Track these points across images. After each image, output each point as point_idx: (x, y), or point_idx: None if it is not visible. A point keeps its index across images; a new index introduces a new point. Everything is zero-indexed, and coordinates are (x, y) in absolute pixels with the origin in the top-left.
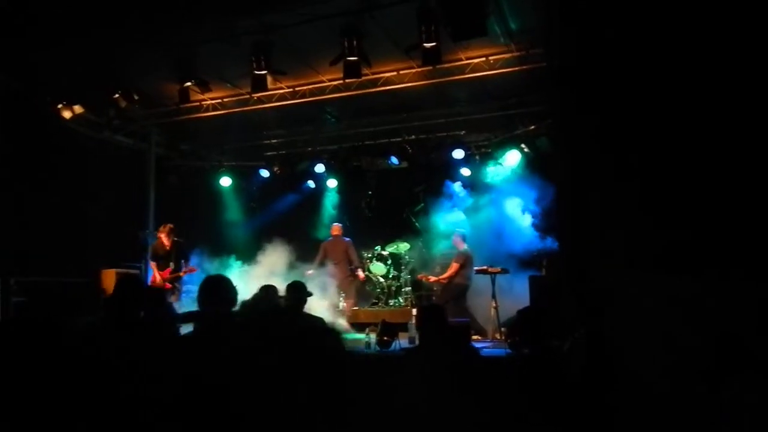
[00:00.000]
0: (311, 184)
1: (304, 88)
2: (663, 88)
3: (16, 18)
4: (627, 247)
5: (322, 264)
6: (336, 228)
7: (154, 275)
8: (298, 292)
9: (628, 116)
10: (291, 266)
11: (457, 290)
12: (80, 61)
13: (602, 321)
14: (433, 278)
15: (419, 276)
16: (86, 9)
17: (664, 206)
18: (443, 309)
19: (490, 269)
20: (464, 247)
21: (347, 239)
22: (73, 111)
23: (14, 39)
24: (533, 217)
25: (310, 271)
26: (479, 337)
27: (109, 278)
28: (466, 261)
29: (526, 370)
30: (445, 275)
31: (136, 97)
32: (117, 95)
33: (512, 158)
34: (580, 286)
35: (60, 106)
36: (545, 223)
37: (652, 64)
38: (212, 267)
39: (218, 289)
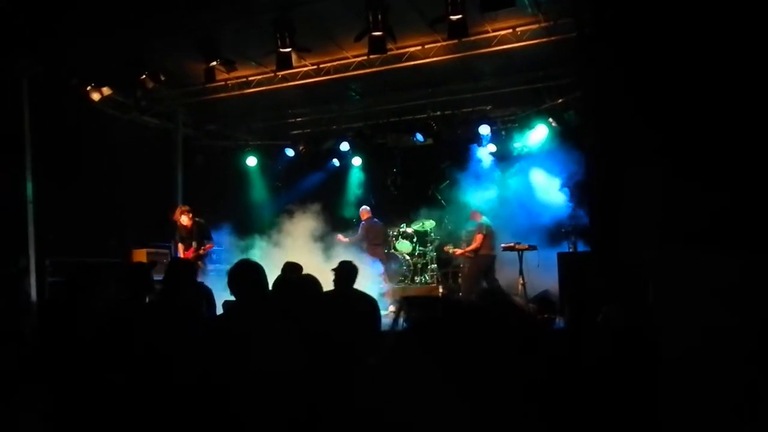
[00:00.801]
0: (336, 162)
1: (329, 65)
2: (702, 54)
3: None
4: (662, 221)
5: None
6: (366, 212)
7: (180, 255)
8: (349, 271)
9: (664, 85)
10: (316, 243)
11: (485, 263)
12: (108, 44)
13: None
14: (458, 251)
15: (444, 247)
16: None
17: (701, 179)
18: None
19: (517, 246)
20: (483, 218)
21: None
22: (101, 93)
23: (44, 25)
24: (562, 191)
25: (342, 237)
26: None
27: (140, 258)
28: (488, 231)
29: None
30: (471, 247)
31: (162, 78)
32: (144, 76)
33: (539, 132)
34: (612, 262)
35: (89, 88)
36: (575, 198)
37: (689, 27)
38: (238, 245)
39: (249, 274)
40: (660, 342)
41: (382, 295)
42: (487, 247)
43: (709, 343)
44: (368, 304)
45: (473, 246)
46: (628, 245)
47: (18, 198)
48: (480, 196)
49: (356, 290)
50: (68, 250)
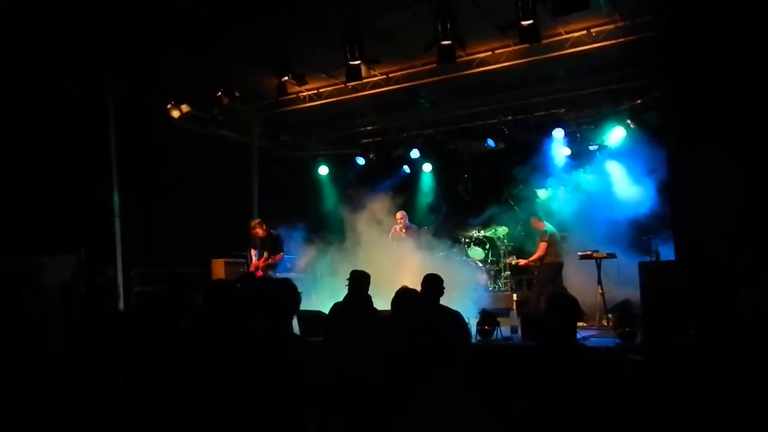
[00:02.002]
0: (407, 169)
1: (398, 74)
2: None
3: (129, 26)
4: (750, 226)
5: None
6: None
7: (252, 263)
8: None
9: (747, 82)
10: (390, 251)
11: (551, 270)
12: (186, 63)
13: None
14: (522, 261)
15: (508, 259)
16: (191, 13)
17: None
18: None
19: (595, 254)
20: (545, 225)
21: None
22: (180, 110)
23: (128, 45)
24: (644, 196)
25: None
26: (584, 324)
27: (219, 268)
28: (551, 239)
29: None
30: (535, 256)
31: (237, 94)
32: (219, 93)
33: (617, 135)
34: (699, 271)
35: (169, 106)
36: (656, 206)
37: None
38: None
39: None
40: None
41: None
42: (552, 255)
43: None
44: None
45: (537, 255)
46: (715, 252)
47: (105, 211)
48: (555, 201)
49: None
50: (152, 261)
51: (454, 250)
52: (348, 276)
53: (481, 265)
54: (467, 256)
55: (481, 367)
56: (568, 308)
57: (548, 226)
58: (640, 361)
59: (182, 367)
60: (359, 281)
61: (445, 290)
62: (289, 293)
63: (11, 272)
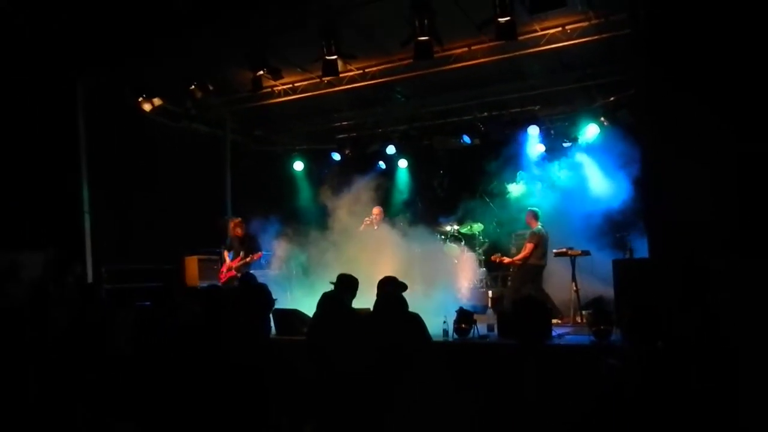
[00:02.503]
0: (382, 165)
1: (374, 68)
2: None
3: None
4: (722, 223)
5: None
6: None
7: (225, 263)
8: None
9: (722, 81)
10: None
11: (533, 271)
12: (158, 57)
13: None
14: (507, 259)
15: (492, 257)
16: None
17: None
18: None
19: (570, 251)
20: (537, 225)
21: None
22: (152, 104)
23: (99, 37)
24: (618, 192)
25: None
26: (558, 321)
27: (192, 265)
28: (540, 241)
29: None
30: (519, 256)
31: (210, 88)
32: (193, 87)
33: (590, 132)
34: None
35: (140, 99)
36: (629, 203)
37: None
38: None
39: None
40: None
41: None
42: (536, 257)
43: None
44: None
45: (522, 254)
46: (688, 250)
47: (73, 207)
48: (529, 198)
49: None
50: (123, 257)
51: (431, 244)
52: (334, 279)
53: (456, 261)
54: (443, 252)
55: (458, 365)
56: (535, 312)
57: (539, 227)
58: (617, 366)
59: (170, 365)
60: (346, 284)
61: (421, 287)
62: (265, 297)
63: None
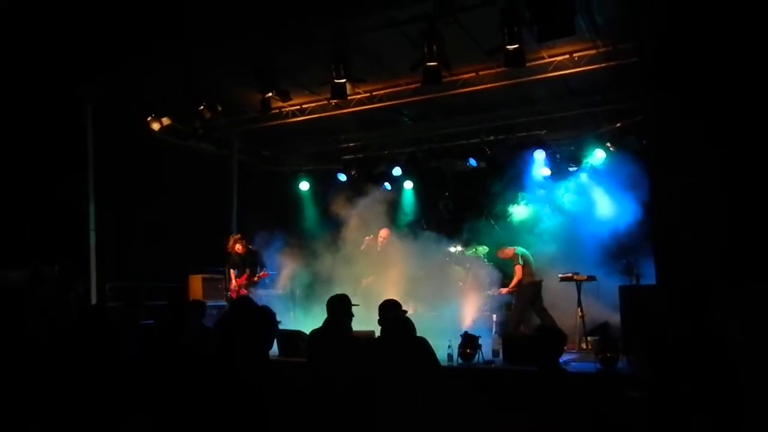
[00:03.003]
0: (388, 186)
1: (382, 92)
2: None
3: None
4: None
5: None
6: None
7: (231, 282)
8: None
9: (731, 110)
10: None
11: (530, 291)
12: (168, 75)
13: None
14: (504, 290)
15: (491, 292)
16: (175, 27)
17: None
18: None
19: (575, 276)
20: (514, 250)
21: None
22: (161, 123)
23: (109, 54)
24: (624, 217)
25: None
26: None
27: (196, 284)
28: (524, 259)
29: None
30: (514, 282)
31: (219, 108)
32: (202, 107)
33: (597, 157)
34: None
35: (149, 118)
36: (636, 227)
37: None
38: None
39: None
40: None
41: None
42: (528, 275)
43: None
44: None
45: (515, 280)
46: (696, 275)
47: (80, 224)
48: (535, 222)
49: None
50: (127, 275)
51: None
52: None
53: (461, 284)
54: (447, 275)
55: (463, 391)
56: (556, 341)
57: (518, 249)
58: (639, 398)
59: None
60: (332, 304)
61: (425, 309)
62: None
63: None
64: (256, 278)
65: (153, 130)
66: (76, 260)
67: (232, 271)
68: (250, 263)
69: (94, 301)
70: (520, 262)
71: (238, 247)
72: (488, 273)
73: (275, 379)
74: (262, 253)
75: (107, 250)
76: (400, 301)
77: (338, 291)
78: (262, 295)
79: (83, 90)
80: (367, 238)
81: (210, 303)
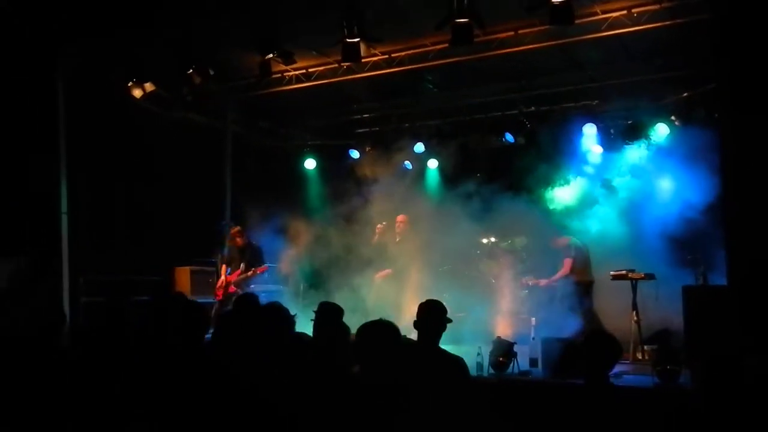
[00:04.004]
0: (408, 165)
1: (402, 53)
2: None
3: None
4: None
5: None
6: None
7: (221, 278)
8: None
9: None
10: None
11: (578, 290)
12: (151, 35)
13: None
14: (543, 281)
15: (523, 279)
16: None
17: None
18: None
19: (630, 274)
20: (569, 239)
21: None
22: (144, 89)
23: (82, 14)
24: (690, 206)
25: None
26: None
27: (183, 277)
28: (578, 253)
29: None
30: (558, 275)
31: (211, 72)
32: (190, 71)
33: (659, 133)
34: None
35: (130, 84)
36: (705, 217)
37: None
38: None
39: None
40: None
41: None
42: (580, 272)
43: None
44: None
45: (561, 273)
46: None
47: (50, 207)
48: (584, 209)
49: None
50: (104, 266)
51: (463, 263)
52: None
53: (494, 281)
54: (478, 270)
55: (493, 407)
56: (608, 350)
57: (573, 240)
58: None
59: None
60: (323, 313)
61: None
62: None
63: None
64: (251, 272)
65: (134, 98)
66: (45, 249)
67: (224, 267)
68: (250, 257)
69: (66, 296)
70: (572, 254)
71: (238, 240)
72: (527, 269)
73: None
74: (262, 247)
75: (81, 237)
76: (417, 299)
77: (347, 286)
78: (260, 293)
79: (53, 53)
80: (379, 226)
81: (199, 299)
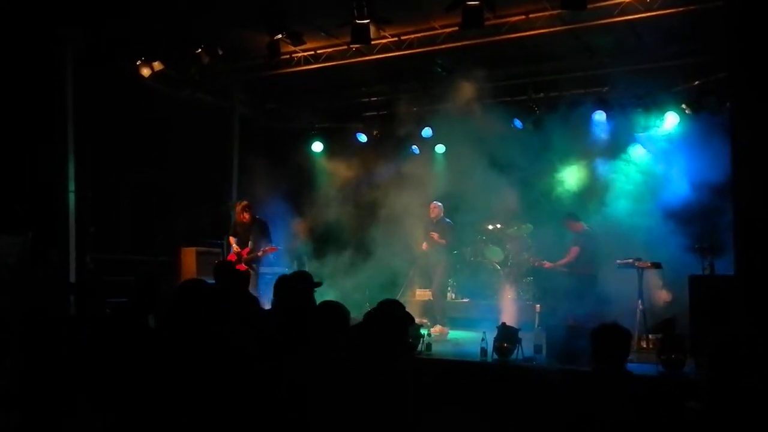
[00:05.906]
0: (416, 149)
1: (412, 36)
2: None
3: None
4: None
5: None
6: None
7: (232, 252)
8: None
9: None
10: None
11: (580, 282)
12: (160, 14)
13: None
14: (548, 264)
15: (528, 258)
16: None
17: None
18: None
19: (637, 263)
20: (584, 228)
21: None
22: (152, 68)
23: None
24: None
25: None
26: None
27: (190, 258)
28: (586, 245)
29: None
30: (563, 261)
31: (219, 52)
32: (199, 50)
33: (669, 122)
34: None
35: (138, 62)
36: (713, 206)
37: None
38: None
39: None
40: None
41: None
42: (584, 264)
43: None
44: None
45: (566, 259)
46: None
47: (58, 185)
48: (590, 197)
49: None
50: (111, 245)
51: (469, 249)
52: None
53: (499, 267)
54: (483, 256)
55: (497, 391)
56: (618, 341)
57: (587, 229)
58: (698, 410)
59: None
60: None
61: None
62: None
63: None
64: (260, 253)
65: (143, 77)
66: (53, 227)
67: (232, 238)
68: (257, 235)
69: (72, 274)
70: (580, 244)
71: (245, 216)
72: (533, 255)
73: None
74: (270, 224)
75: (88, 215)
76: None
77: (356, 271)
78: (268, 275)
79: (62, 33)
80: (425, 245)
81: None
